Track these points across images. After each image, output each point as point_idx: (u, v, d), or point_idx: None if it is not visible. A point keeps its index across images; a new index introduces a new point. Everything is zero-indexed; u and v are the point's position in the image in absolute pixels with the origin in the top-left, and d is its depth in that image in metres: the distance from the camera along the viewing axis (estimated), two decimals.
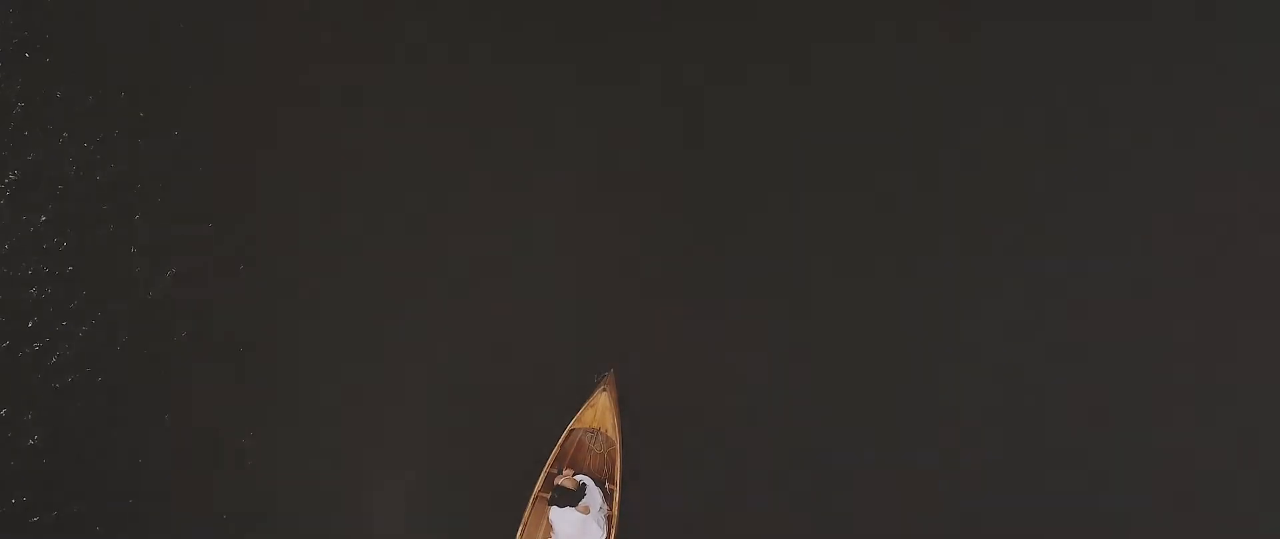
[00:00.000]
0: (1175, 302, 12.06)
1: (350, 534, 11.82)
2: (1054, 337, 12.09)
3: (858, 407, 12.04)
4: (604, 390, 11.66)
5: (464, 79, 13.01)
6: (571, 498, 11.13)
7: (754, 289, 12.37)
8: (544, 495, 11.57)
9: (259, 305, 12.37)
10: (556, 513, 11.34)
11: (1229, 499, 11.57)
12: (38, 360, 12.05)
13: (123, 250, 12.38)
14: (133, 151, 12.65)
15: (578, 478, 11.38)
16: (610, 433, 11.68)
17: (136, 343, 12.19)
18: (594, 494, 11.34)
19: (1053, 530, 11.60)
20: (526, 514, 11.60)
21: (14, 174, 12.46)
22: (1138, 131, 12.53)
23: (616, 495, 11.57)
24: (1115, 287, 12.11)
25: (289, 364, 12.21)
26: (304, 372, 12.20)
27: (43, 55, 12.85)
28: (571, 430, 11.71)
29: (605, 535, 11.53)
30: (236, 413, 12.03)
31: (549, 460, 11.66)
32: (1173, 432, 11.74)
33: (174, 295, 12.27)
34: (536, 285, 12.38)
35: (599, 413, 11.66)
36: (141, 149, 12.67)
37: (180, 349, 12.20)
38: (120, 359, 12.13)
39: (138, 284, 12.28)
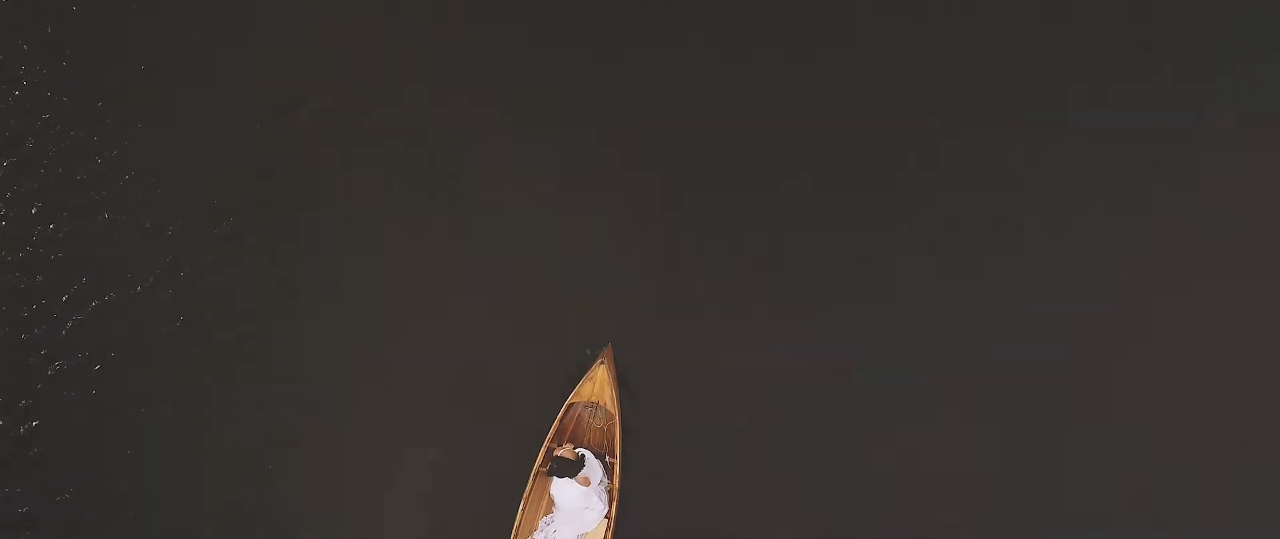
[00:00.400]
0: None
1: (351, 515, 11.84)
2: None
3: (856, 374, 12.08)
4: (602, 363, 11.68)
5: (463, 50, 12.98)
6: (571, 469, 11.16)
7: (751, 260, 12.40)
8: (544, 470, 11.60)
9: (258, 287, 12.35)
10: (558, 486, 11.38)
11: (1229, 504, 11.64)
12: (31, 348, 12.04)
13: (120, 238, 12.37)
14: (130, 139, 12.65)
15: (577, 451, 11.42)
16: (609, 406, 11.71)
17: (133, 332, 12.16)
18: (594, 466, 11.38)
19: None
20: (528, 490, 11.63)
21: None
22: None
23: (617, 468, 11.60)
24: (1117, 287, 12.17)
25: (287, 345, 12.22)
26: (303, 352, 12.21)
27: (38, 42, 12.83)
28: (570, 405, 11.74)
29: (607, 508, 11.58)
30: (235, 392, 12.05)
31: (548, 435, 11.69)
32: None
33: (171, 284, 12.28)
34: (532, 262, 12.39)
35: (597, 386, 11.68)
36: (138, 136, 12.66)
37: (176, 338, 12.19)
38: (117, 349, 12.11)
39: (134, 272, 12.26)
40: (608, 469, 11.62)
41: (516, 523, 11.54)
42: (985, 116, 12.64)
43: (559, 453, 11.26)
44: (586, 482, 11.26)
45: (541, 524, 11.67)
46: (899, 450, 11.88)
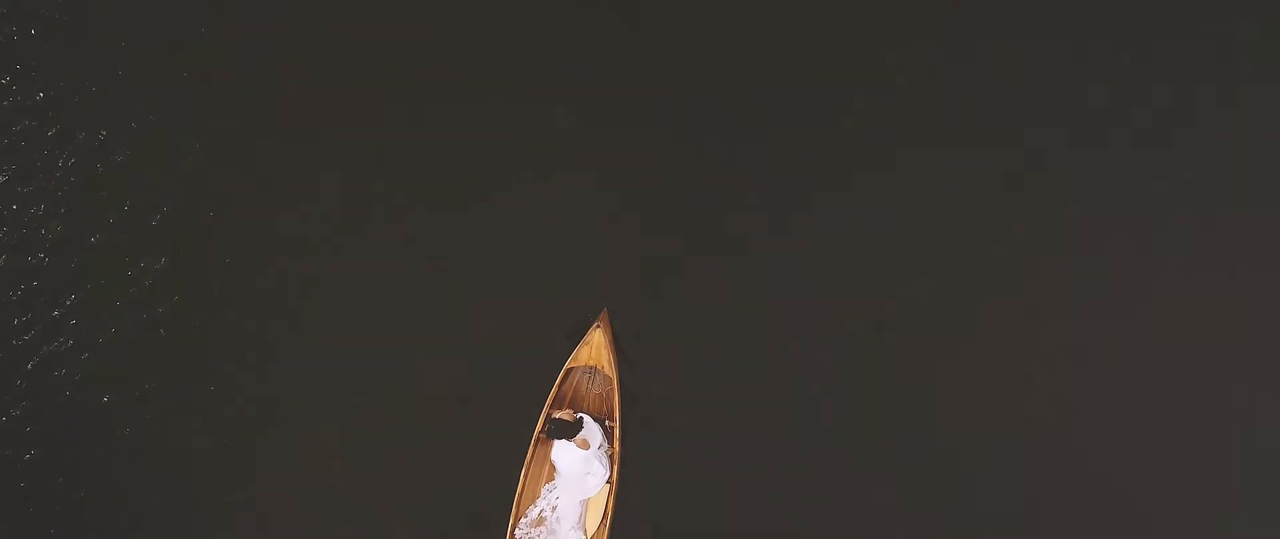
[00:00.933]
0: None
1: (353, 492, 11.85)
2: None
3: (857, 332, 12.04)
4: (598, 328, 11.64)
5: (459, 13, 12.97)
6: (569, 431, 11.14)
7: (749, 221, 12.35)
8: (544, 435, 11.59)
9: (255, 262, 12.37)
10: (558, 452, 11.37)
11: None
12: (27, 352, 12.07)
13: (115, 242, 12.37)
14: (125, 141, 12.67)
15: (576, 415, 11.40)
16: (607, 370, 11.68)
17: (125, 335, 12.15)
18: (593, 429, 11.36)
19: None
20: (529, 457, 11.62)
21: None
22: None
23: (617, 431, 11.58)
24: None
25: (284, 322, 12.23)
26: (302, 330, 12.21)
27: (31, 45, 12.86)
28: (569, 370, 11.71)
29: (608, 473, 11.56)
30: (230, 381, 12.08)
31: (547, 401, 11.67)
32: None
33: (164, 286, 12.28)
34: (525, 228, 12.36)
35: (594, 351, 11.66)
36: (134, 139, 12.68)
37: (170, 340, 12.17)
38: (110, 352, 12.10)
39: (129, 276, 12.26)
40: (608, 433, 11.60)
41: (518, 490, 11.54)
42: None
43: (557, 415, 11.25)
44: (585, 444, 11.24)
45: (544, 491, 11.67)
46: (902, 401, 11.86)
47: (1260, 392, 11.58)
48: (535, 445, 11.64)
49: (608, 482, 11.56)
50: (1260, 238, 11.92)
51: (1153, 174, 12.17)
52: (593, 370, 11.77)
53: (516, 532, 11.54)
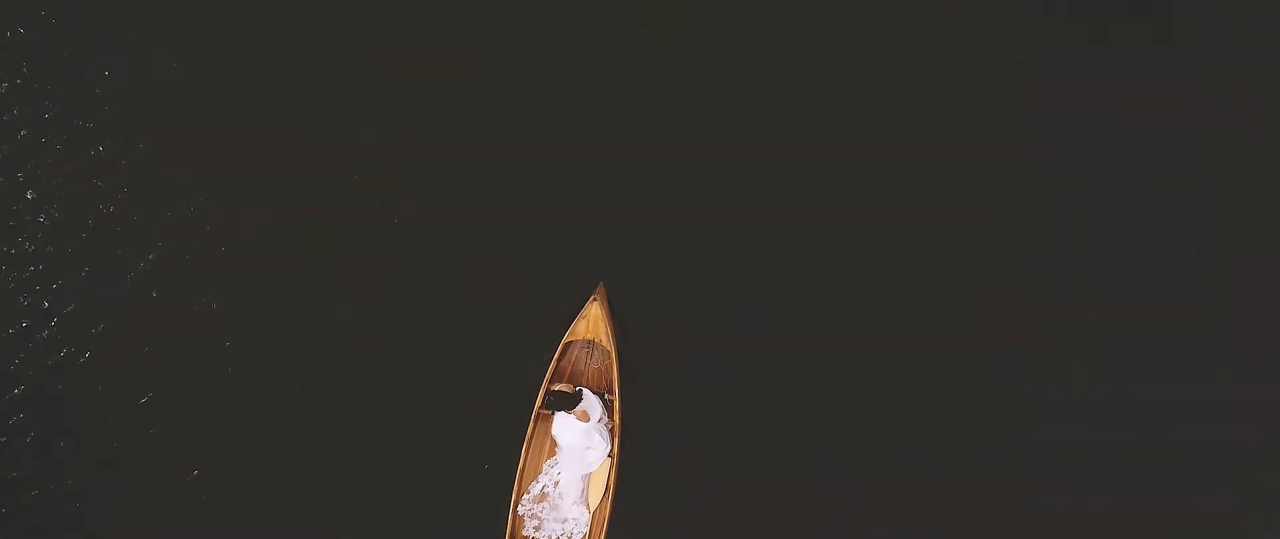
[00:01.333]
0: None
1: (353, 475, 11.82)
2: None
3: (856, 294, 11.99)
4: (594, 300, 11.58)
5: None
6: (568, 402, 11.08)
7: (747, 186, 12.28)
8: (546, 412, 11.54)
9: (250, 234, 12.34)
10: (558, 426, 11.34)
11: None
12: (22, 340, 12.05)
13: (106, 231, 12.31)
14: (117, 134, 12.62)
15: (575, 388, 11.35)
16: (605, 343, 11.62)
17: (119, 326, 12.07)
18: (593, 401, 11.31)
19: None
20: (530, 433, 11.59)
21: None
22: None
23: (617, 404, 11.52)
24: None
25: (282, 302, 12.20)
26: (298, 313, 12.19)
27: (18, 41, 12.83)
28: (567, 345, 11.66)
29: (609, 446, 11.51)
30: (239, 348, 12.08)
31: (547, 376, 11.63)
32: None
33: (158, 278, 12.22)
34: (518, 203, 12.32)
35: (591, 324, 11.60)
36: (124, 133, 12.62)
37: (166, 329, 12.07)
38: (100, 343, 12.02)
39: (121, 266, 12.20)
40: (608, 406, 11.54)
41: (520, 467, 11.51)
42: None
43: (557, 387, 11.20)
44: (585, 416, 11.20)
45: (546, 467, 11.63)
46: (900, 364, 11.84)
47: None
48: (535, 421, 11.60)
49: (609, 455, 11.50)
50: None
51: None
52: (590, 344, 11.71)
53: (519, 508, 11.51)
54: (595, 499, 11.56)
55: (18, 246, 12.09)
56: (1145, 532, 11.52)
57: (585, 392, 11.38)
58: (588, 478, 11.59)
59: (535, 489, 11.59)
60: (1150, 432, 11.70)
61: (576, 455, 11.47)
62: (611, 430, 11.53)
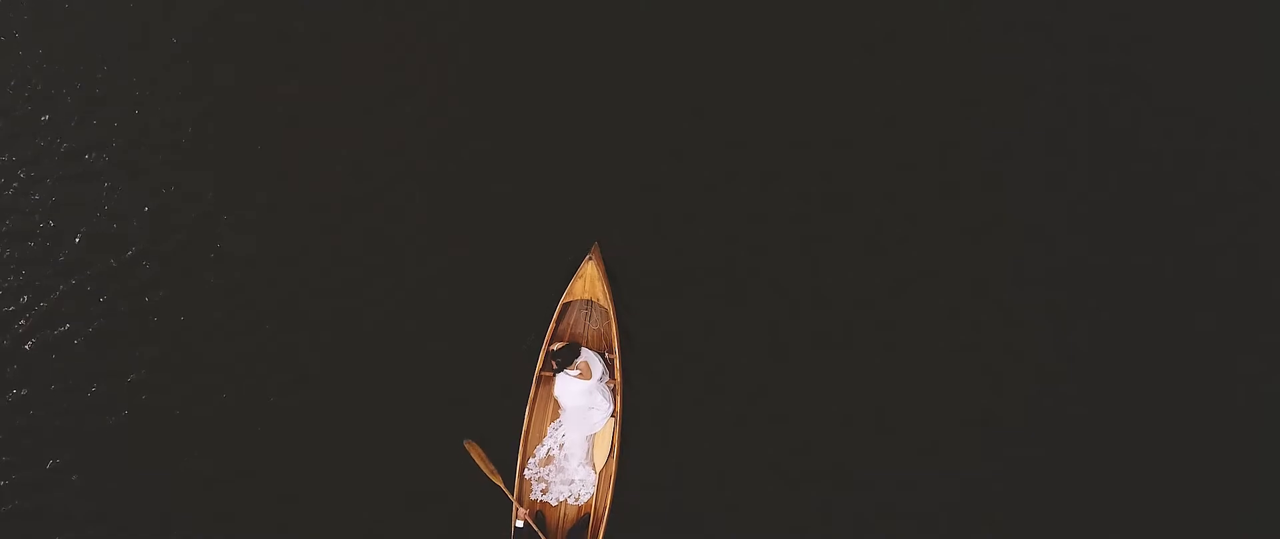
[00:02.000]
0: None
1: (354, 450, 11.83)
2: None
3: (853, 255, 11.99)
4: (590, 259, 11.57)
5: None
6: (569, 355, 11.05)
7: (744, 145, 12.26)
8: (547, 373, 11.54)
9: (249, 207, 12.35)
10: (560, 387, 11.32)
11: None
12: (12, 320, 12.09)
13: (99, 213, 12.33)
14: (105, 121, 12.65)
15: (573, 343, 11.36)
16: (603, 302, 11.61)
17: (114, 303, 12.07)
18: (593, 359, 11.27)
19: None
20: (532, 395, 11.59)
21: None
22: None
23: (618, 363, 11.51)
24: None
25: (280, 282, 12.21)
26: (299, 290, 12.19)
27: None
28: (564, 305, 11.65)
29: (613, 406, 11.49)
30: (235, 324, 12.10)
31: (546, 337, 11.62)
32: None
33: (151, 256, 12.24)
34: (510, 164, 12.31)
35: (588, 283, 11.59)
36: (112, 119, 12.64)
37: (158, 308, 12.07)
38: (97, 318, 12.02)
39: (113, 246, 12.21)
40: (608, 365, 11.52)
41: (525, 429, 11.51)
42: None
43: (555, 346, 11.20)
44: (587, 373, 11.14)
45: (550, 430, 11.63)
46: (897, 329, 11.86)
47: None
48: (537, 384, 11.59)
49: (612, 415, 11.49)
50: None
51: None
52: (589, 304, 11.70)
53: (526, 472, 11.51)
54: (601, 459, 11.55)
55: (18, 246, 12.20)
56: None
57: (584, 350, 11.36)
58: (592, 438, 11.58)
59: (541, 452, 11.59)
60: None
61: (580, 416, 11.45)
62: (613, 389, 11.51)
